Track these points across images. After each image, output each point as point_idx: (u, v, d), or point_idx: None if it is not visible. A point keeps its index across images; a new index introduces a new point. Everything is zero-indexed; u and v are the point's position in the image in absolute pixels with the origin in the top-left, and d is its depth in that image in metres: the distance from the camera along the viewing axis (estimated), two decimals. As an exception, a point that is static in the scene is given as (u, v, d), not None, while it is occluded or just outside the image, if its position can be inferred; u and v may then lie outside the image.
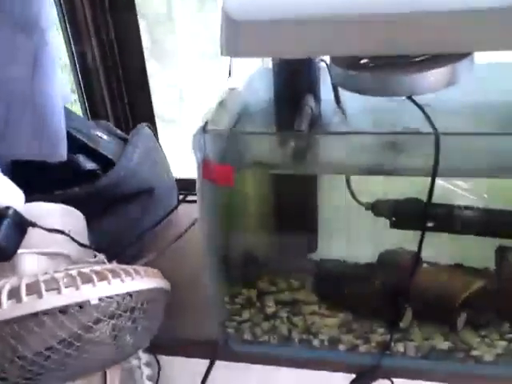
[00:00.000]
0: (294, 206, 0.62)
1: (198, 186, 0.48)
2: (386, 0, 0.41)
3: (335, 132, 0.49)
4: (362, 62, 0.46)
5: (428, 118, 0.42)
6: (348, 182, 0.58)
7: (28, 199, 0.53)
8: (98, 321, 0.39)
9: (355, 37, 0.41)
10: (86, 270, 0.40)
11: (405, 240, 0.62)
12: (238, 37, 0.43)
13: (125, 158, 0.67)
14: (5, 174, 0.63)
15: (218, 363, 0.60)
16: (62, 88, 0.51)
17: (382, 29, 0.41)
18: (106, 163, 0.68)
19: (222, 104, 0.51)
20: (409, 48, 0.41)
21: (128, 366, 0.64)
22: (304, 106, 0.51)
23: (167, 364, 0.63)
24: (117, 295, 0.40)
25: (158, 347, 0.60)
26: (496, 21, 0.39)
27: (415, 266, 0.56)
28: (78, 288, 0.38)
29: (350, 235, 0.64)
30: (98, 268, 0.41)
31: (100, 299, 0.38)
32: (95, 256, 0.51)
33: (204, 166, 0.45)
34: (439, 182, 0.57)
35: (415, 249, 0.59)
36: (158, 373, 0.62)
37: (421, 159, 0.47)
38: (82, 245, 0.47)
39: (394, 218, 0.60)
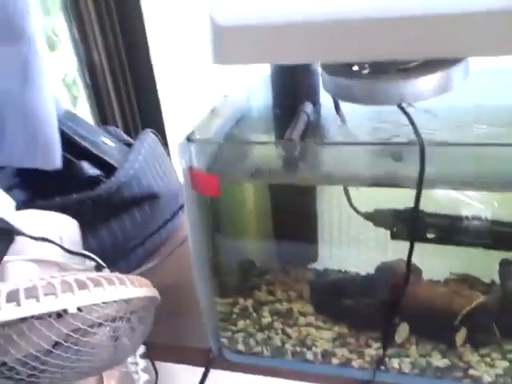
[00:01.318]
0: (293, 216, 0.61)
1: (185, 195, 0.47)
2: (376, 4, 0.40)
3: (325, 142, 0.48)
4: (353, 68, 0.45)
5: (414, 126, 0.41)
6: (346, 191, 0.57)
7: (29, 206, 0.54)
8: (76, 331, 0.39)
9: (345, 42, 0.40)
10: (70, 278, 0.41)
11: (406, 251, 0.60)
12: (226, 44, 0.42)
13: (127, 164, 0.68)
14: (10, 179, 0.65)
15: (216, 371, 0.60)
16: (55, 96, 0.52)
17: (372, 33, 0.39)
18: (110, 170, 0.68)
19: (213, 112, 0.50)
20: (400, 53, 0.40)
21: (125, 372, 0.64)
22: (301, 113, 0.50)
23: (164, 370, 0.63)
24: (96, 304, 0.40)
25: (155, 353, 0.60)
26: (492, 24, 0.37)
27: (409, 278, 0.54)
28: (56, 296, 0.38)
29: (351, 246, 0.62)
30: (80, 276, 0.41)
31: (80, 309, 0.38)
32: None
33: (190, 175, 0.45)
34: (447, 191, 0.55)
35: (416, 261, 0.57)
36: (156, 379, 0.62)
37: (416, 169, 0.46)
38: (71, 252, 0.47)
39: (394, 229, 0.58)
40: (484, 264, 0.56)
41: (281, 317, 0.57)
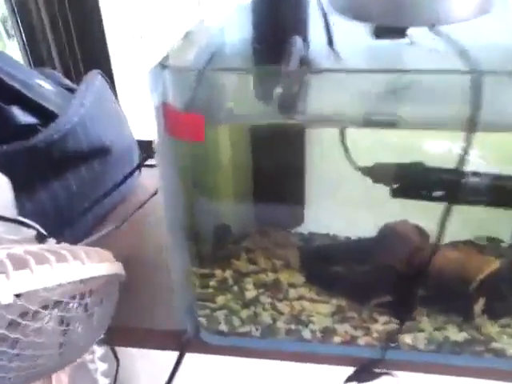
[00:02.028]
0: (277, 169, 0.51)
1: (157, 141, 0.36)
2: None
3: (336, 69, 0.38)
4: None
5: (463, 53, 0.32)
6: (343, 138, 0.48)
7: None
8: (12, 323, 0.28)
9: None
10: (1, 253, 0.29)
11: (406, 211, 0.53)
12: None
13: (70, 108, 0.55)
14: None
15: (192, 356, 0.50)
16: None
17: None
18: (49, 118, 0.55)
19: (188, 37, 0.39)
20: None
21: (79, 361, 0.53)
22: (291, 47, 0.40)
23: (127, 357, 0.53)
24: (45, 288, 0.29)
25: (115, 338, 0.50)
26: None
27: (424, 242, 0.47)
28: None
29: (342, 205, 0.54)
30: (17, 251, 0.29)
31: (18, 295, 0.27)
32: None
33: (165, 114, 0.34)
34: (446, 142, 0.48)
35: (420, 222, 0.50)
36: (117, 368, 0.52)
37: (433, 107, 0.37)
38: (1, 218, 0.35)
39: (394, 185, 0.50)
40: (498, 225, 0.50)
41: (267, 289, 0.49)
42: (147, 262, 0.57)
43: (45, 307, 0.31)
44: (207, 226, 0.50)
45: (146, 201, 0.62)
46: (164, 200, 0.42)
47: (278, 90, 0.37)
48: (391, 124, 0.39)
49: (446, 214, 0.37)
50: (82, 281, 0.33)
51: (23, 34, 0.74)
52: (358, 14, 0.37)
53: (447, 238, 0.48)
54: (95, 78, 0.62)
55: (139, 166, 0.68)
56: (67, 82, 0.66)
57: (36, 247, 0.31)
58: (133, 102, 0.79)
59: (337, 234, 0.55)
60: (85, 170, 0.58)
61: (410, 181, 0.49)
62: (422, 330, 0.44)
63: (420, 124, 0.41)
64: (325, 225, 0.55)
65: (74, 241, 0.57)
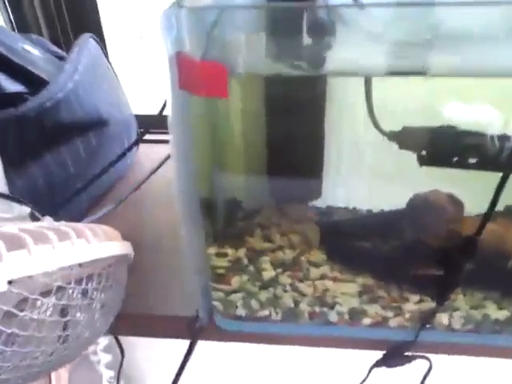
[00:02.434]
0: (294, 135, 0.46)
1: (171, 98, 0.31)
2: None
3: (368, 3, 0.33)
4: None
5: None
6: (368, 91, 0.43)
7: None
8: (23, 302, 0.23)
9: None
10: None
11: (435, 181, 0.49)
12: None
13: (63, 74, 0.49)
14: None
15: (205, 343, 0.46)
16: None
17: None
18: (39, 85, 0.49)
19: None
20: None
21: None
22: None
23: (132, 348, 0.49)
24: (45, 272, 0.24)
25: (119, 327, 0.45)
26: None
27: (459, 213, 0.43)
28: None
29: (364, 175, 0.49)
30: (11, 229, 0.25)
31: (10, 282, 0.23)
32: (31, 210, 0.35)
33: (180, 65, 0.29)
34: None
35: (452, 191, 0.46)
36: (122, 359, 0.48)
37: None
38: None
39: (423, 152, 0.46)
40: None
41: (286, 269, 0.44)
42: (149, 244, 0.52)
43: (44, 295, 0.26)
44: (221, 200, 0.45)
45: (145, 179, 0.58)
46: (176, 169, 0.37)
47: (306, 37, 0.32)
48: (421, 72, 0.35)
49: (503, 182, 0.32)
50: (87, 263, 0.28)
51: (7, 2, 0.68)
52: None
53: (480, 209, 0.45)
54: (88, 41, 0.56)
55: (137, 141, 0.63)
56: (56, 49, 0.60)
57: (33, 225, 0.27)
58: (127, 74, 0.73)
59: (358, 208, 0.51)
60: (80, 144, 0.53)
61: (441, 147, 0.45)
62: (457, 309, 0.41)
63: (454, 71, 0.36)
64: (344, 197, 0.51)
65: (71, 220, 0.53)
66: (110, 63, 0.64)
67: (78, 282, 0.29)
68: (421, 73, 0.34)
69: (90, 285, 0.30)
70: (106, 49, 0.71)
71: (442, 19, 0.33)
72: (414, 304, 0.41)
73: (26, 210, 0.34)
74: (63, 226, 0.27)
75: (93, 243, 0.28)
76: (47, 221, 0.33)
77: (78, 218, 0.54)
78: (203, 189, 0.39)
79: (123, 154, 0.57)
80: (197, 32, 0.28)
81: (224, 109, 0.35)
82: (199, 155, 0.36)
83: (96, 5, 0.68)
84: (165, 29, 0.28)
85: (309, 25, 0.31)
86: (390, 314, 0.41)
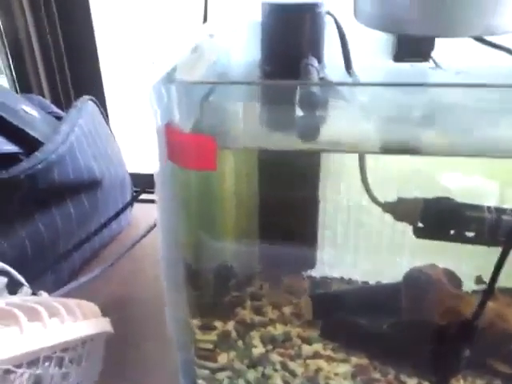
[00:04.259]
0: (287, 204, 0.45)
1: (158, 169, 0.31)
2: None
3: (362, 83, 0.33)
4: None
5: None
6: (362, 166, 0.42)
7: None
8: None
9: None
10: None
11: (430, 254, 0.47)
12: None
13: (58, 135, 0.49)
14: None
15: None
16: None
17: None
18: (33, 146, 0.49)
19: (197, 51, 0.34)
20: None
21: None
22: (307, 66, 0.35)
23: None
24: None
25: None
26: None
27: (457, 289, 0.41)
28: None
29: (360, 246, 0.48)
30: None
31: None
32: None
33: (169, 137, 0.28)
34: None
35: (449, 266, 0.44)
36: None
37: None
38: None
39: (419, 224, 0.45)
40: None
41: (277, 345, 0.42)
42: (136, 310, 0.50)
43: (18, 366, 0.24)
44: (209, 268, 0.44)
45: (139, 239, 0.57)
46: (162, 238, 0.36)
47: (300, 112, 0.32)
48: (414, 150, 0.34)
49: (504, 257, 0.31)
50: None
51: (11, 62, 0.69)
52: (393, 26, 0.32)
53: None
54: (86, 103, 0.57)
55: (132, 202, 0.63)
56: (56, 109, 0.61)
57: (14, 301, 0.25)
58: (126, 133, 0.74)
59: (353, 279, 0.49)
60: (72, 206, 0.52)
61: (438, 219, 0.44)
62: (459, 397, 0.38)
63: (448, 151, 0.36)
64: (339, 268, 0.50)
65: (58, 286, 0.51)
66: (108, 123, 0.64)
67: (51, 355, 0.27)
68: (414, 151, 0.33)
69: (64, 359, 0.28)
70: (106, 109, 0.72)
71: (437, 97, 0.33)
72: (412, 389, 0.38)
73: (3, 279, 0.32)
74: (36, 303, 0.26)
75: (66, 323, 0.26)
76: (24, 293, 0.32)
77: (67, 279, 0.53)
78: (189, 257, 0.38)
79: (117, 215, 0.56)
80: (187, 105, 0.28)
81: (214, 180, 0.35)
82: (186, 224, 0.35)
83: (98, 67, 0.69)
84: (154, 101, 0.28)
85: (301, 100, 0.31)
86: (386, 399, 0.38)
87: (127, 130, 0.76)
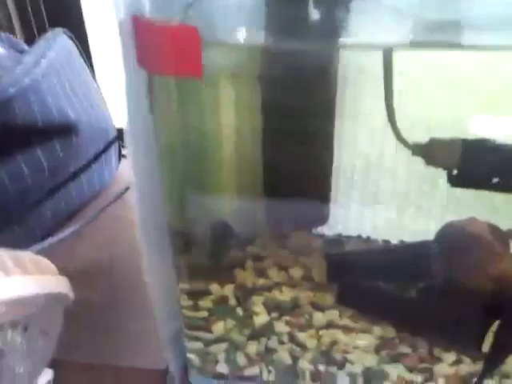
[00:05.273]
0: (297, 143, 0.38)
1: (124, 84, 0.23)
2: None
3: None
4: None
5: None
6: (388, 97, 0.34)
7: None
8: None
9: None
10: None
11: (465, 207, 0.40)
12: None
13: (19, 67, 0.41)
14: None
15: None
16: None
17: None
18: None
19: None
20: None
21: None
22: None
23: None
24: None
25: (67, 379, 0.36)
26: None
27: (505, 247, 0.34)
28: None
29: (382, 198, 0.41)
30: None
31: None
32: None
33: (137, 31, 0.20)
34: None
35: (494, 220, 0.37)
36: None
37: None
38: None
39: (455, 171, 0.37)
40: None
41: (284, 313, 0.35)
42: (117, 275, 0.43)
43: None
44: (199, 224, 0.36)
45: (117, 197, 0.49)
46: (137, 187, 0.28)
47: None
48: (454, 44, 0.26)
49: None
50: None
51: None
52: None
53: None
54: (60, 36, 0.49)
55: (119, 156, 0.55)
56: (26, 46, 0.52)
57: None
58: (113, 84, 0.65)
59: (372, 238, 0.42)
60: (41, 153, 0.44)
61: (479, 164, 0.36)
62: (507, 376, 0.31)
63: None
64: (356, 224, 0.42)
65: (26, 243, 0.44)
66: (88, 65, 0.56)
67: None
68: (454, 45, 0.25)
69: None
70: (89, 54, 0.64)
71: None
72: (448, 366, 0.31)
73: None
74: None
75: (14, 277, 0.19)
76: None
77: (39, 238, 0.46)
78: (173, 211, 0.30)
79: (93, 161, 0.48)
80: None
81: (204, 99, 0.27)
82: (167, 166, 0.27)
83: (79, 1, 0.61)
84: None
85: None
86: (417, 378, 0.31)
87: (115, 80, 0.67)
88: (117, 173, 0.59)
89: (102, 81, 0.61)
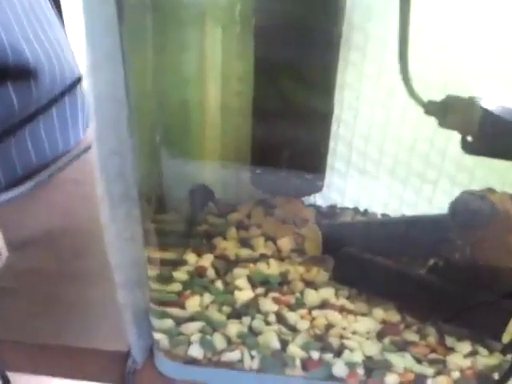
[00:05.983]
0: (290, 95, 0.32)
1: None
2: None
3: None
4: None
5: None
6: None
7: None
8: None
9: None
10: None
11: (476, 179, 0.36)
12: None
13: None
14: None
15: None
16: None
17: None
18: None
19: None
20: None
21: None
22: None
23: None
24: None
25: (8, 359, 0.30)
26: None
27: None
28: None
29: (385, 162, 0.36)
30: None
31: None
32: None
33: None
34: None
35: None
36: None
37: None
38: None
39: (469, 137, 0.32)
40: None
41: (271, 289, 0.30)
42: (79, 240, 0.37)
43: None
44: (174, 185, 0.31)
45: (77, 156, 0.43)
46: (99, 142, 0.22)
47: None
48: None
49: None
50: None
51: None
52: None
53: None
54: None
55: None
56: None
57: None
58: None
59: (370, 211, 0.37)
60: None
61: (498, 130, 0.31)
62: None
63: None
64: (353, 195, 0.37)
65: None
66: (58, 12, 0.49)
67: None
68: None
69: None
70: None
71: None
72: (463, 357, 0.27)
73: None
74: None
75: None
76: None
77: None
78: (142, 165, 0.24)
79: (51, 117, 0.42)
80: None
81: (184, 39, 0.21)
82: (138, 117, 0.22)
83: None
84: None
85: None
86: (427, 370, 0.26)
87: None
88: (85, 138, 0.52)
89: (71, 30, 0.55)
